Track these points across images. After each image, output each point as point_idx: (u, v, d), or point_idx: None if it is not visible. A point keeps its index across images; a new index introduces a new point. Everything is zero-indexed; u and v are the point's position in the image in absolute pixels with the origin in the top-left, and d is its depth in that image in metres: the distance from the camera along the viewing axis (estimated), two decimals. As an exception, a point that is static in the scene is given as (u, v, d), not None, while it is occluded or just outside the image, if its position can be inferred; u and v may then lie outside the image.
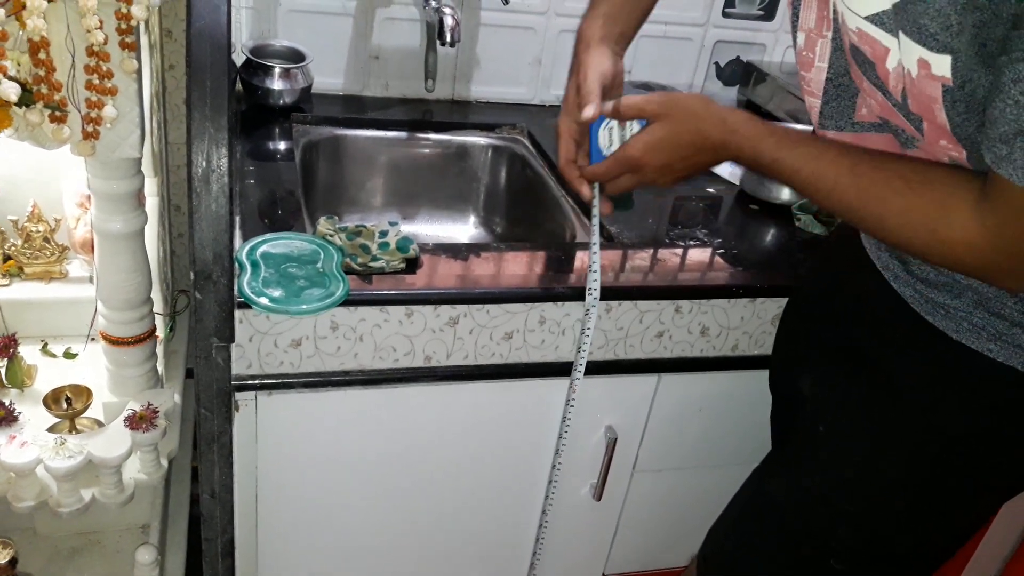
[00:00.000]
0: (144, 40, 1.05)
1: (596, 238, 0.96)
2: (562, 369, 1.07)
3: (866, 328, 0.90)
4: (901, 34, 0.66)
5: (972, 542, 1.51)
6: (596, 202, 0.96)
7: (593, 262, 0.96)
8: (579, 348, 1.00)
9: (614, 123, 0.91)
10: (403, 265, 1.02)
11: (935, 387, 0.84)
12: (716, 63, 1.71)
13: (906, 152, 0.79)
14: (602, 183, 0.95)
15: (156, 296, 1.19)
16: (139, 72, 0.94)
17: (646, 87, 1.54)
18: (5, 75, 0.84)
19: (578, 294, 1.02)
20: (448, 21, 1.33)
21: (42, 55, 0.86)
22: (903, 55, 0.68)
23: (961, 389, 0.83)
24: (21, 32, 0.84)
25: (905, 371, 0.87)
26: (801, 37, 0.83)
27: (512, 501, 1.23)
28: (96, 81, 0.90)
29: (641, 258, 1.16)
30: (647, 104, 0.88)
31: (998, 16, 0.60)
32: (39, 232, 1.30)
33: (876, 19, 0.68)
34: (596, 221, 0.96)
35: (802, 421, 0.99)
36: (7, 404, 1.12)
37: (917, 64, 0.67)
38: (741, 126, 0.84)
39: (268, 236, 1.01)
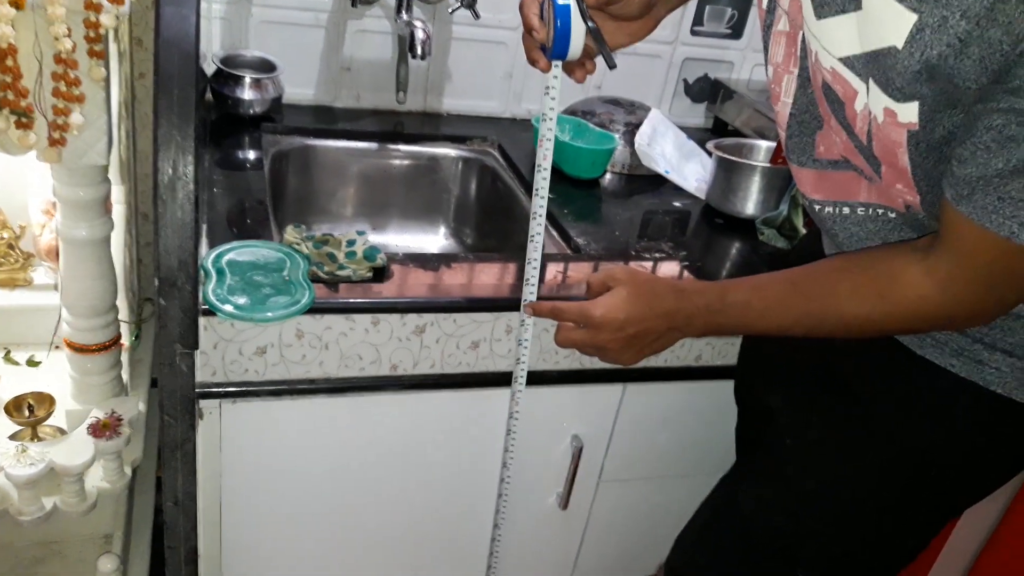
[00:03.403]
0: (113, 48, 1.05)
1: (538, 254, 0.95)
2: (529, 379, 1.08)
3: (832, 344, 0.92)
4: (871, 81, 0.68)
5: (935, 547, 1.53)
6: (535, 237, 0.94)
7: (530, 275, 0.96)
8: (518, 360, 1.01)
9: None
10: (370, 274, 1.03)
11: (899, 401, 0.86)
12: (685, 80, 1.74)
13: (871, 187, 0.81)
14: (557, 313, 0.95)
15: (122, 304, 1.19)
16: (107, 80, 0.95)
17: (615, 103, 1.56)
18: (-30, 81, 0.84)
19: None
20: (419, 34, 1.34)
21: (9, 62, 0.87)
22: (871, 101, 0.69)
23: (925, 404, 0.85)
24: (-12, 38, 0.85)
25: (870, 386, 0.89)
26: (770, 70, 0.85)
27: (477, 510, 1.23)
28: (63, 88, 0.91)
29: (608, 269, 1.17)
30: (614, 271, 0.92)
31: (958, 88, 0.63)
32: (3, 239, 1.29)
33: (848, 62, 0.70)
34: (540, 237, 0.95)
35: (770, 434, 1.00)
36: (-32, 411, 1.11)
37: (883, 112, 0.69)
38: (688, 285, 0.91)
39: (234, 244, 1.02)
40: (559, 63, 0.88)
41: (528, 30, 0.88)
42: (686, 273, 1.20)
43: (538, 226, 0.94)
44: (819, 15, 0.72)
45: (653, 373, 1.17)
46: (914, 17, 0.62)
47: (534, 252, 0.95)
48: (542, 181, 0.92)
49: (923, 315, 0.74)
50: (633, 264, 1.19)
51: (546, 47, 0.87)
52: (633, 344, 0.90)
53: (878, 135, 0.71)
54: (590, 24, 0.85)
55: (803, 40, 0.78)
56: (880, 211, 0.82)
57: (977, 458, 0.87)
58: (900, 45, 0.63)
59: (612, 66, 0.86)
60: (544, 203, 0.93)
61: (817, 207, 0.87)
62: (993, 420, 0.83)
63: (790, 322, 0.83)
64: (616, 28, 0.94)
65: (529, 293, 0.97)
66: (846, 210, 0.85)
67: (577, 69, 0.92)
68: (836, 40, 0.70)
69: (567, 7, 0.83)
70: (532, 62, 0.90)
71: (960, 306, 0.72)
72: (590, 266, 1.18)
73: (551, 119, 0.90)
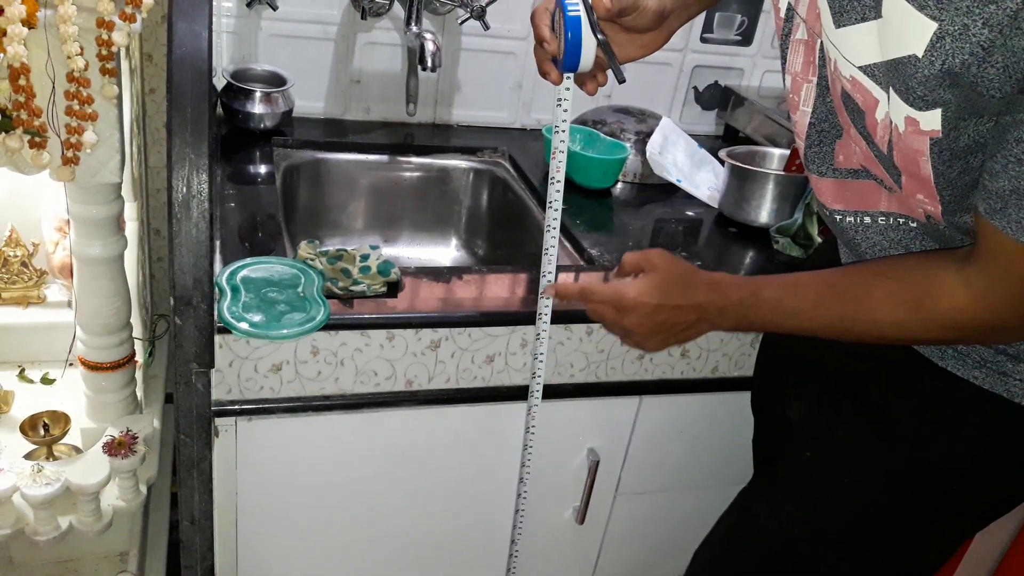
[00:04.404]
0: (124, 65, 1.05)
1: (552, 267, 0.94)
2: (544, 392, 1.07)
3: (853, 354, 0.91)
4: (892, 90, 0.67)
5: (952, 564, 1.52)
6: (549, 250, 0.94)
7: (544, 289, 0.96)
8: (533, 374, 1.00)
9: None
10: (384, 289, 1.02)
11: (921, 414, 0.85)
12: (695, 87, 1.73)
13: (892, 197, 0.80)
14: (587, 295, 0.92)
15: (135, 321, 1.18)
16: (119, 97, 0.94)
17: (625, 112, 1.56)
18: (-16, 101, 0.84)
19: (559, 316, 1.02)
20: (429, 46, 1.34)
21: (22, 81, 0.86)
22: (892, 111, 0.69)
23: (947, 417, 0.84)
24: (1, 58, 0.84)
25: (892, 398, 0.88)
26: (788, 80, 0.84)
27: (494, 525, 1.23)
28: (76, 107, 0.90)
29: (621, 281, 1.16)
30: (650, 254, 0.90)
31: (982, 96, 0.62)
32: (17, 256, 1.29)
33: (868, 70, 0.69)
34: (554, 250, 0.94)
35: (788, 446, 0.99)
36: (-17, 431, 1.11)
37: (905, 121, 0.68)
38: (723, 278, 0.88)
39: (248, 260, 1.01)
40: (570, 75, 0.88)
41: (539, 42, 0.87)
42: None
43: (552, 239, 0.94)
44: (838, 23, 0.71)
45: (669, 385, 1.17)
46: (934, 25, 0.61)
47: (548, 265, 0.95)
48: (556, 194, 0.91)
49: (958, 326, 0.73)
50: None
51: (557, 59, 0.87)
52: (660, 331, 0.88)
53: (899, 145, 0.70)
54: (599, 37, 0.84)
55: (821, 49, 0.78)
56: (901, 220, 0.81)
57: (999, 473, 0.85)
58: (920, 53, 0.62)
59: (621, 80, 0.85)
60: (558, 215, 0.92)
61: (838, 217, 0.86)
62: (1017, 433, 0.82)
63: (822, 323, 0.81)
64: (629, 40, 0.93)
65: (544, 307, 0.96)
66: (867, 219, 0.84)
67: (589, 81, 0.91)
68: (856, 49, 0.70)
69: (578, 19, 0.83)
70: (544, 74, 0.89)
71: (998, 319, 0.71)
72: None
73: (563, 131, 0.89)
